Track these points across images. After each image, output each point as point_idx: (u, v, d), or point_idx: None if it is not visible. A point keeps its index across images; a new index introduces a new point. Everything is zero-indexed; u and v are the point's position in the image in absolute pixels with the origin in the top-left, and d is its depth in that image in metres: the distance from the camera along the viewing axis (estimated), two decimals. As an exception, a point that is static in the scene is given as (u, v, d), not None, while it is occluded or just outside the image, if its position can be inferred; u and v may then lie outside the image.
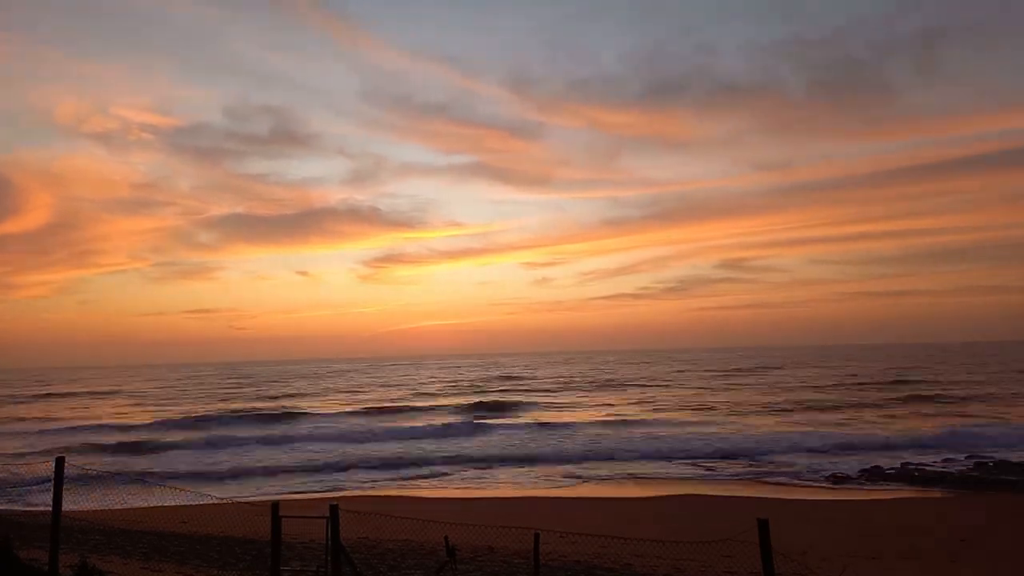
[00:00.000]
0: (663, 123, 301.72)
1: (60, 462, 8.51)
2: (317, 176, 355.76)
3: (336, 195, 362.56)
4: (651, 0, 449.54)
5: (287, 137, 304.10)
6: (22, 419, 55.08)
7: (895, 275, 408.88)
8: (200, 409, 58.56)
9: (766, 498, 21.56)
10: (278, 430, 41.85)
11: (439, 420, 45.87)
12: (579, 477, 26.50)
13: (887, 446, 31.37)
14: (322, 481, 26.86)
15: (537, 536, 8.96)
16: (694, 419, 44.22)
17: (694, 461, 29.29)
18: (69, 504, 9.26)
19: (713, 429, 38.45)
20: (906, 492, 22.36)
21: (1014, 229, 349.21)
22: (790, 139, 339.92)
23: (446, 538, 9.76)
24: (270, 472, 28.81)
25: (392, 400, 65.20)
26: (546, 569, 11.38)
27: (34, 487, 24.10)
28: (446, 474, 27.98)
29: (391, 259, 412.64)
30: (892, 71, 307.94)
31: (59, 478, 8.35)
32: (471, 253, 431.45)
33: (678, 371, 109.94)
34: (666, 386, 76.79)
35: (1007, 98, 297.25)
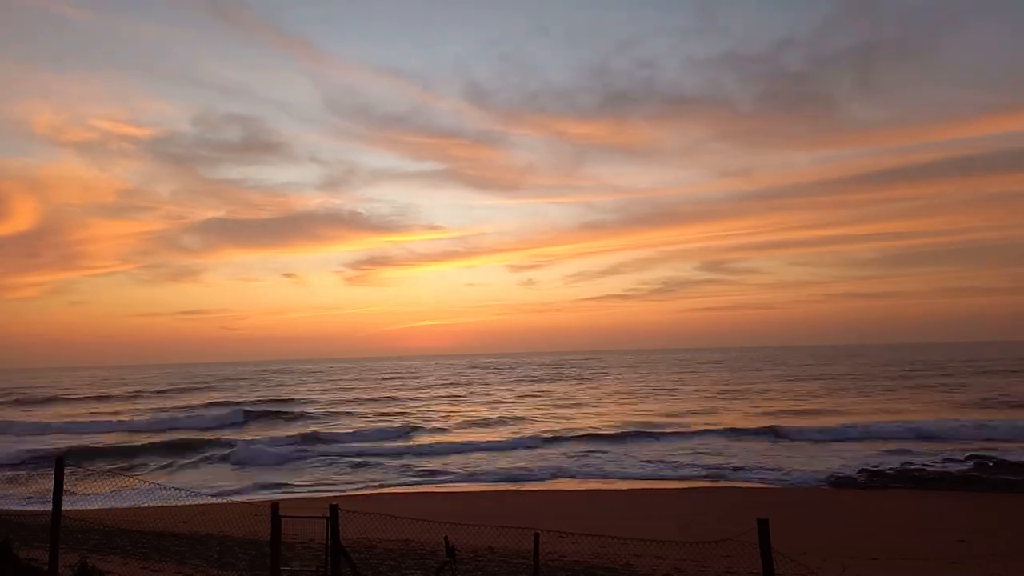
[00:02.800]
0: (621, 133, 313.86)
1: (60, 462, 8.14)
2: (293, 181, 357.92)
3: (313, 200, 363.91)
4: (589, 18, 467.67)
5: (259, 145, 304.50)
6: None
7: (867, 277, 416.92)
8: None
9: (765, 497, 21.57)
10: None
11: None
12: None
13: (884, 445, 31.37)
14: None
15: (537, 536, 8.96)
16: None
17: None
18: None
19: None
20: (906, 492, 22.36)
21: (981, 232, 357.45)
22: (747, 148, 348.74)
23: (446, 538, 9.74)
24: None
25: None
26: (546, 569, 11.38)
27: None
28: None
29: (375, 262, 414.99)
30: (831, 85, 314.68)
31: (59, 478, 8.07)
32: (455, 256, 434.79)
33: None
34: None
35: (939, 111, 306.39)
